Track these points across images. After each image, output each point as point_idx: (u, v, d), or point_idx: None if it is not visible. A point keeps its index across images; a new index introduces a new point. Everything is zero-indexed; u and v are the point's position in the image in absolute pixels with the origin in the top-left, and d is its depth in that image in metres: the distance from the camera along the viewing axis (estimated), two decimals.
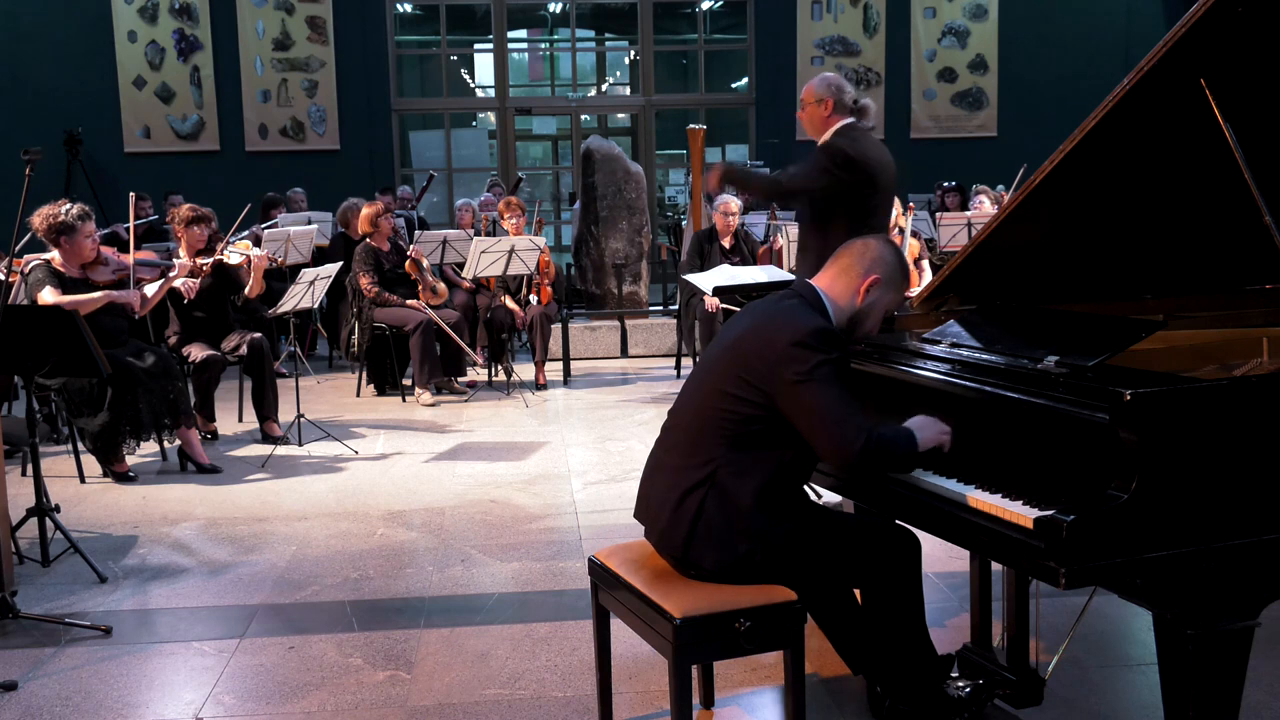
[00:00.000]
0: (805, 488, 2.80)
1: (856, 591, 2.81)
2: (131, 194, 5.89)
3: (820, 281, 2.68)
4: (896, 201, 7.74)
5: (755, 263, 7.83)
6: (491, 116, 14.46)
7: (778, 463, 2.53)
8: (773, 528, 2.53)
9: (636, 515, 2.76)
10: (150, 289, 5.62)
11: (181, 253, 6.20)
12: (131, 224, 5.82)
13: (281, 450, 6.02)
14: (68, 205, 5.30)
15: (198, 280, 5.95)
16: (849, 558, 2.60)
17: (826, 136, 4.20)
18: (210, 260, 6.04)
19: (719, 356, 2.65)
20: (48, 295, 5.13)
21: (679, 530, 2.56)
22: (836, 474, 2.83)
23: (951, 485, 2.44)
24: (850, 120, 4.23)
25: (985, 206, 9.27)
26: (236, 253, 6.13)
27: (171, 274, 5.71)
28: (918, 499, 2.50)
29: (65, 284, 5.27)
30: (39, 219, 5.24)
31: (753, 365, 2.52)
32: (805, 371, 2.44)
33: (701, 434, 2.59)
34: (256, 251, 6.20)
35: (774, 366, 2.48)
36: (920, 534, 2.73)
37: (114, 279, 5.44)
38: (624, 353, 9.05)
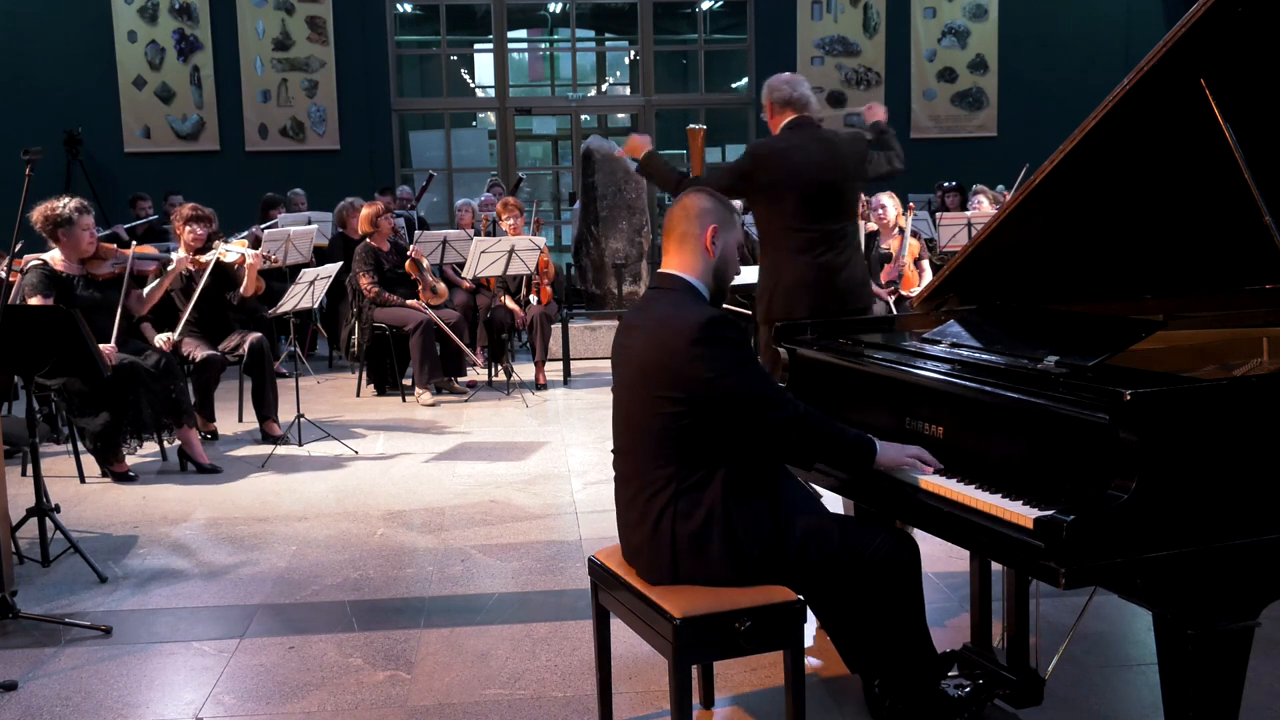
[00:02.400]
0: (800, 480, 2.79)
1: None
2: (135, 212, 5.93)
3: (671, 264, 2.69)
4: (896, 201, 7.76)
5: (754, 263, 7.82)
6: (491, 116, 14.45)
7: (729, 456, 2.54)
8: (746, 513, 2.53)
9: (625, 558, 2.74)
10: (147, 289, 5.64)
11: (181, 251, 6.21)
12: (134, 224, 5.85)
13: (281, 450, 6.02)
14: (66, 200, 5.34)
15: (173, 338, 5.92)
16: (846, 561, 2.60)
17: None
18: (208, 257, 6.06)
19: (630, 381, 2.65)
20: (34, 302, 5.14)
21: (663, 556, 2.56)
22: (793, 464, 2.82)
23: (951, 485, 2.44)
24: (792, 118, 4.12)
25: (985, 206, 9.27)
26: (233, 250, 6.14)
27: (171, 267, 5.71)
28: (917, 499, 2.50)
29: (60, 285, 5.27)
30: (37, 214, 5.26)
31: (665, 376, 2.52)
32: (715, 368, 2.48)
33: (647, 457, 2.59)
34: (252, 250, 6.21)
35: (686, 369, 2.49)
36: (920, 534, 2.73)
37: (113, 273, 5.46)
38: None
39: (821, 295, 3.96)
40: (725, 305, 7.19)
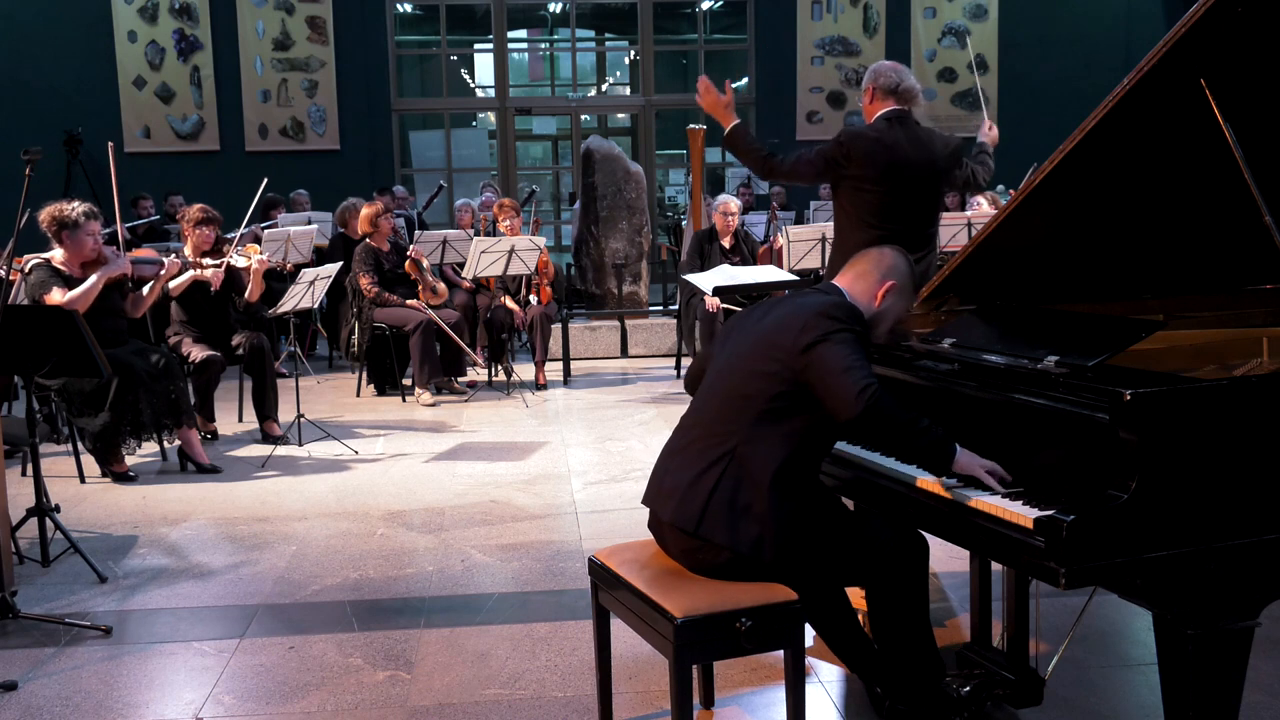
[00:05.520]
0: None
1: (853, 594, 2.81)
2: (109, 144, 5.96)
3: (841, 282, 2.75)
4: None
5: (755, 263, 7.84)
6: (491, 116, 14.46)
7: (797, 441, 2.55)
8: (784, 508, 2.53)
9: (645, 499, 2.75)
10: (145, 289, 5.65)
11: (187, 251, 6.22)
12: (114, 186, 5.85)
13: (281, 450, 6.02)
14: (75, 203, 5.35)
15: (221, 272, 6.03)
16: (857, 556, 2.60)
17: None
18: (220, 262, 6.10)
19: (750, 343, 2.67)
20: (56, 295, 5.13)
21: (694, 503, 2.56)
22: (849, 435, 2.81)
23: (951, 485, 2.44)
24: (892, 109, 3.96)
25: (984, 207, 9.26)
26: (244, 257, 6.17)
27: (163, 272, 5.72)
28: (916, 499, 2.50)
29: (68, 282, 5.27)
30: (45, 214, 5.28)
31: (780, 342, 2.56)
32: (823, 334, 2.50)
33: (726, 413, 2.61)
34: (260, 257, 6.22)
35: (796, 335, 2.53)
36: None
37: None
38: (624, 353, 9.05)
39: None
40: (724, 305, 7.20)
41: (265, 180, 7.01)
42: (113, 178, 5.87)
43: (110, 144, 6.00)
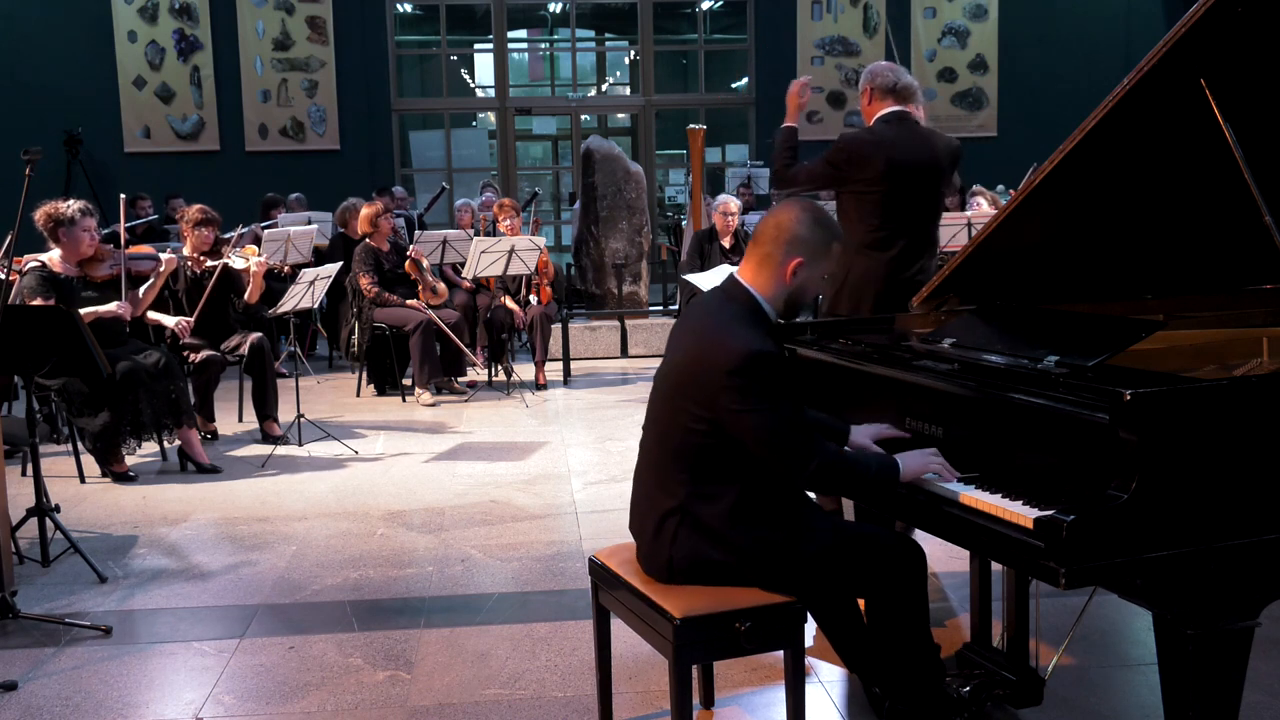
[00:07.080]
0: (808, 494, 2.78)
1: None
2: (121, 196, 6.04)
3: (746, 275, 2.61)
4: None
5: None
6: (491, 116, 14.46)
7: (743, 480, 2.52)
8: (748, 541, 2.52)
9: (630, 527, 2.76)
10: (143, 289, 5.66)
11: (186, 251, 6.23)
12: (122, 223, 5.88)
13: (281, 450, 6.02)
14: (71, 201, 5.37)
15: (191, 321, 6.05)
16: (851, 568, 2.59)
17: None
18: (218, 263, 6.11)
19: (670, 376, 2.61)
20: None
21: (660, 556, 2.57)
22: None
23: (951, 485, 2.44)
24: (891, 109, 3.95)
25: (984, 208, 9.26)
26: (241, 258, 6.18)
27: (161, 269, 5.73)
28: (917, 499, 2.50)
29: (59, 287, 5.27)
30: (40, 213, 5.28)
31: (697, 393, 2.49)
32: (745, 403, 2.42)
33: (665, 459, 2.58)
34: (258, 259, 6.23)
35: (716, 396, 2.45)
36: (920, 534, 2.73)
37: (110, 274, 5.47)
38: (624, 353, 9.05)
39: (889, 294, 3.80)
40: None
41: (240, 225, 7.02)
42: (121, 225, 5.91)
43: (123, 196, 6.07)
